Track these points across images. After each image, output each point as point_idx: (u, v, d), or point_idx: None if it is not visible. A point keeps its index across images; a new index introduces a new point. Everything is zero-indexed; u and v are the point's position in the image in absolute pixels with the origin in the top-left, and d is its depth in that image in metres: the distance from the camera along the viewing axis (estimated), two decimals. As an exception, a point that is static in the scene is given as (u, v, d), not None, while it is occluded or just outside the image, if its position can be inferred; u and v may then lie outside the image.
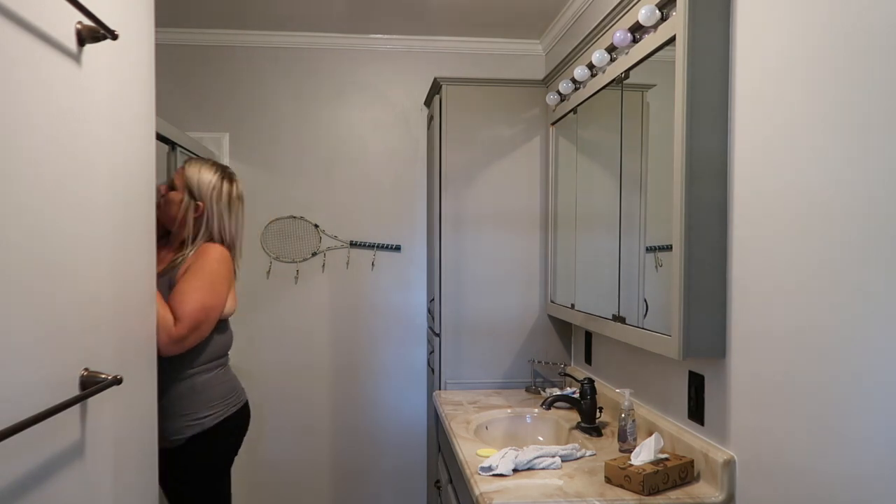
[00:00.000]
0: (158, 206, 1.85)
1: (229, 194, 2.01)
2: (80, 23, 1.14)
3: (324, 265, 3.12)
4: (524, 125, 2.72)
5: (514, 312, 2.74)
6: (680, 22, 1.53)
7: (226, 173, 2.03)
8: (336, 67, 3.12)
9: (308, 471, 3.14)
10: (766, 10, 1.37)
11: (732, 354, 1.51)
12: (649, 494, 1.52)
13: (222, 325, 1.96)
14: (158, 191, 1.90)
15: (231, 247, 2.00)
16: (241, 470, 3.07)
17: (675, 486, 1.57)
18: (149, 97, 1.50)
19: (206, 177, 1.97)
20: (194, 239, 1.93)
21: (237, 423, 1.99)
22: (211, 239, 1.95)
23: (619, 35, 1.84)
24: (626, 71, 1.90)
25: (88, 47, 1.18)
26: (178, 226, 1.93)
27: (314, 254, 3.12)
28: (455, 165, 2.69)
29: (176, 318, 1.75)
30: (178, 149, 2.36)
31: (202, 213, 1.94)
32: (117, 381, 1.19)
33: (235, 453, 2.03)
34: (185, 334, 1.77)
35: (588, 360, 2.56)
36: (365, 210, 3.15)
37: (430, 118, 2.98)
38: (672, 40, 1.58)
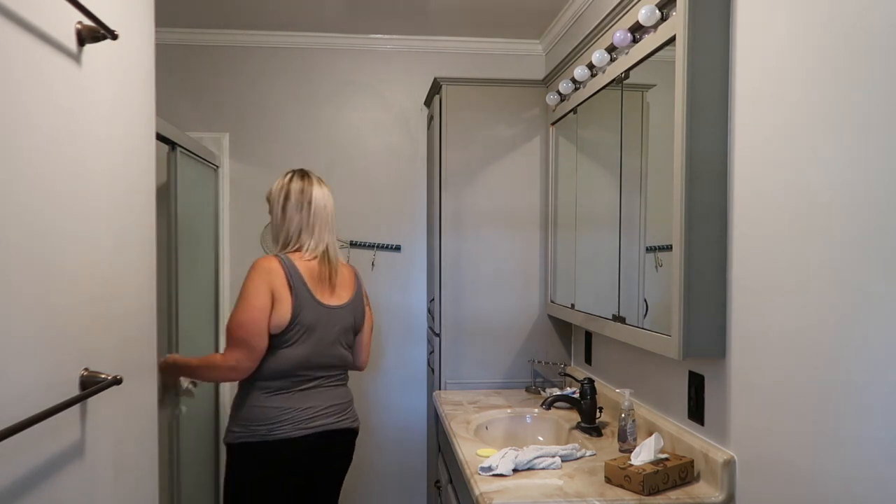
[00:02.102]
0: None
1: (286, 190, 1.97)
2: (80, 23, 1.14)
3: (324, 265, 3.12)
4: (524, 125, 2.72)
5: (514, 312, 2.74)
6: (680, 22, 1.53)
7: (296, 172, 2.02)
8: (336, 67, 3.12)
9: (308, 471, 3.14)
10: (766, 10, 1.37)
11: (732, 354, 1.51)
12: (649, 494, 1.52)
13: (276, 341, 1.85)
14: None
15: (299, 247, 1.94)
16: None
17: (675, 486, 1.57)
18: (149, 97, 1.50)
19: (275, 185, 2.01)
20: (271, 250, 2.00)
21: (261, 455, 1.85)
22: (278, 245, 1.98)
23: (619, 35, 1.84)
24: (626, 71, 1.90)
25: (88, 47, 1.18)
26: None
27: (314, 254, 3.12)
28: (455, 165, 2.69)
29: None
30: (178, 149, 2.36)
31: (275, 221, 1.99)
32: (117, 381, 1.19)
33: (270, 487, 1.88)
34: (234, 356, 1.79)
35: (588, 360, 2.56)
36: (365, 210, 3.14)
37: (430, 118, 2.98)
38: (672, 40, 1.58)
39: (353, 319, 2.04)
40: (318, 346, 1.91)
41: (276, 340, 1.86)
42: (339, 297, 1.98)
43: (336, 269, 1.99)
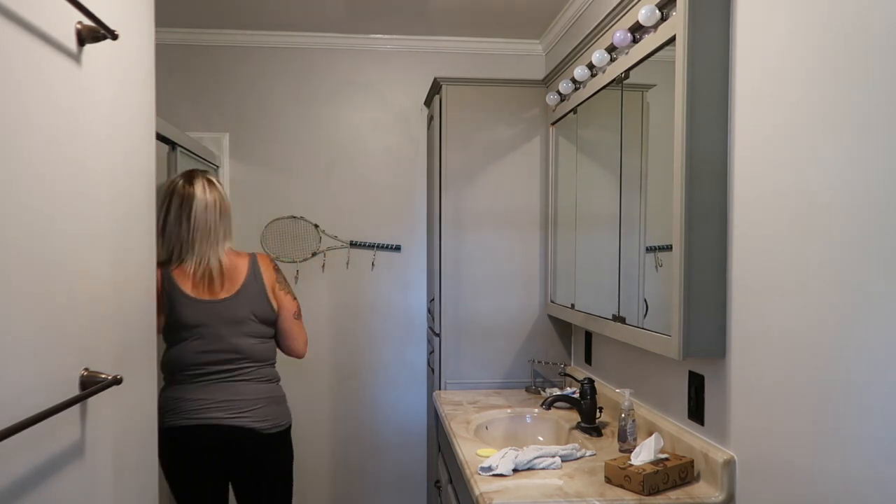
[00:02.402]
0: None
1: (167, 202, 1.93)
2: (80, 23, 1.14)
3: (324, 265, 3.12)
4: (524, 125, 2.72)
5: (514, 312, 2.74)
6: (680, 22, 1.53)
7: (183, 177, 1.96)
8: (336, 67, 3.12)
9: (308, 470, 3.13)
10: (766, 9, 1.37)
11: (732, 354, 1.51)
12: (649, 494, 1.52)
13: (168, 340, 1.92)
14: None
15: (172, 254, 1.92)
16: (241, 470, 3.07)
17: (675, 486, 1.57)
18: (149, 97, 1.50)
19: (163, 186, 1.94)
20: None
21: (162, 443, 1.72)
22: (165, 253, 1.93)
23: (619, 35, 1.84)
24: (626, 71, 1.90)
25: (88, 47, 1.18)
26: None
27: (314, 254, 3.12)
28: (455, 165, 2.69)
29: None
30: (178, 149, 2.36)
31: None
32: (117, 381, 1.19)
33: (190, 481, 1.93)
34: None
35: (588, 360, 2.56)
36: (365, 210, 3.15)
37: (430, 118, 2.98)
38: (672, 40, 1.58)
39: (249, 308, 1.96)
40: (207, 340, 1.91)
41: (168, 339, 1.94)
42: (226, 290, 1.95)
43: (219, 272, 1.94)
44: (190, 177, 1.96)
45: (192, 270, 1.91)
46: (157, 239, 1.89)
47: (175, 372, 1.93)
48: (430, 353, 2.97)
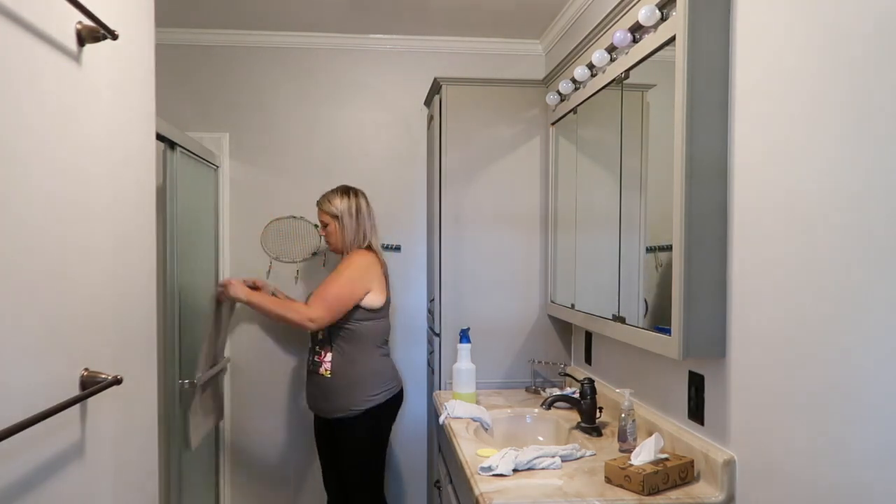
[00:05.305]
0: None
1: (357, 207, 2.59)
2: (80, 23, 1.14)
3: (324, 265, 3.12)
4: (524, 125, 2.72)
5: (514, 312, 2.74)
6: (680, 22, 1.53)
7: (351, 191, 2.62)
8: (336, 67, 3.12)
9: (308, 470, 3.14)
10: (767, 10, 1.37)
11: (732, 354, 1.51)
12: (649, 494, 1.52)
13: (375, 314, 2.48)
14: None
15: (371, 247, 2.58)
16: (241, 469, 3.07)
17: (675, 486, 1.57)
18: (149, 97, 1.50)
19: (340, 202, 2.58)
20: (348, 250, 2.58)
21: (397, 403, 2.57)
22: (359, 247, 2.57)
23: (619, 35, 1.84)
24: (626, 71, 1.90)
25: (88, 47, 1.18)
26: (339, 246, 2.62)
27: (314, 254, 3.12)
28: (455, 165, 2.69)
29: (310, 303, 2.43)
30: (178, 148, 2.36)
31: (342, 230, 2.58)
32: (117, 381, 1.19)
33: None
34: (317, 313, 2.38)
35: (588, 360, 2.56)
36: (365, 210, 3.14)
37: (430, 118, 2.98)
38: (672, 40, 1.58)
39: None
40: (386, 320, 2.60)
41: (377, 314, 2.50)
42: None
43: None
44: (355, 192, 2.65)
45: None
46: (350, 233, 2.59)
47: (385, 344, 2.58)
48: (430, 353, 2.97)
